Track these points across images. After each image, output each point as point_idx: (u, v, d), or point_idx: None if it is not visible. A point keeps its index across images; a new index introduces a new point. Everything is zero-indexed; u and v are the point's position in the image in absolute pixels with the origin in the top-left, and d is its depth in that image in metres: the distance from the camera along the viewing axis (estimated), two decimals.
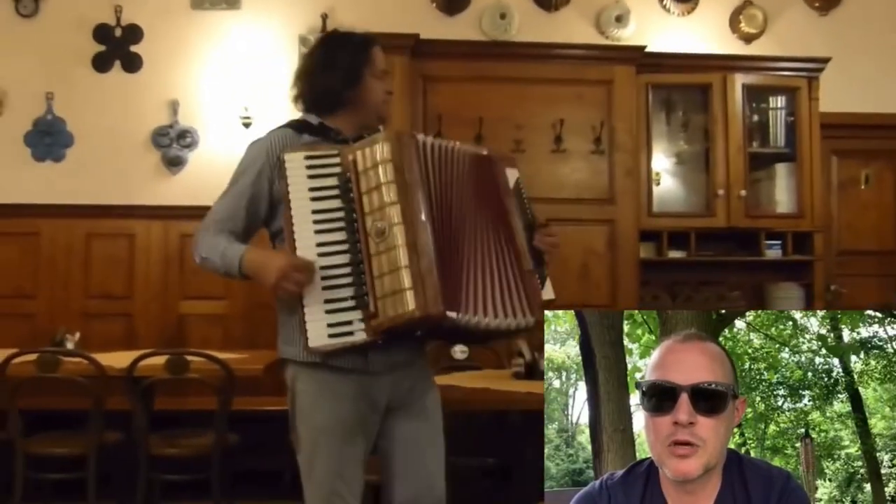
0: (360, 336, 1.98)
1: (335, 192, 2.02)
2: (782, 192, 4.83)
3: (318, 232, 2.01)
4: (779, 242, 4.78)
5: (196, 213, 4.93)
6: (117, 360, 3.58)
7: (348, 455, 2.13)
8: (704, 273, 4.86)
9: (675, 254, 4.69)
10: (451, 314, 1.97)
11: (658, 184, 4.75)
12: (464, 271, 2.04)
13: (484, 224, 2.12)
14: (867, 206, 5.52)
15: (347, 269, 2.00)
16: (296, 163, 2.03)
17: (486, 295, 2.05)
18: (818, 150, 4.77)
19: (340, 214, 2.02)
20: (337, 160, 2.04)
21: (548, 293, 2.19)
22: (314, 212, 2.01)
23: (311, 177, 2.03)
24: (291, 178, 2.02)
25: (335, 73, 2.20)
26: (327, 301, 1.99)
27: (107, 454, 3.60)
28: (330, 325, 1.99)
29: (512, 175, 2.21)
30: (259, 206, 2.16)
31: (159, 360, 3.45)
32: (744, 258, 4.81)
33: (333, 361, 2.07)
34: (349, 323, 1.99)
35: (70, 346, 3.99)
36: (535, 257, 2.17)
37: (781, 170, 4.84)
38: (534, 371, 3.36)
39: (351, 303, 1.99)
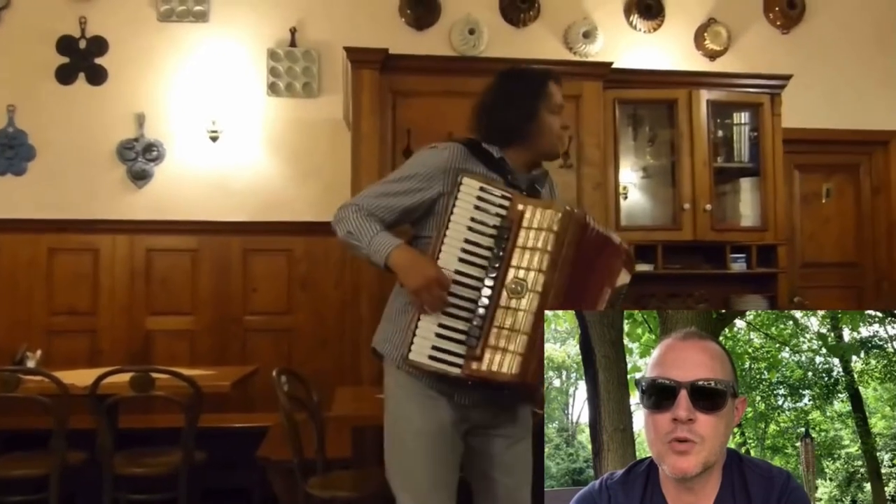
0: (455, 370, 2.04)
1: (492, 231, 2.07)
2: (747, 206, 4.89)
3: (461, 260, 2.07)
4: (744, 255, 4.84)
5: (162, 227, 4.98)
6: (81, 377, 3.52)
7: (446, 461, 2.18)
8: (671, 286, 4.89)
9: (642, 267, 4.71)
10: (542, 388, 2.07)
11: (625, 197, 4.78)
12: None
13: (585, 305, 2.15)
14: (829, 219, 5.63)
15: (471, 306, 2.05)
16: (470, 189, 2.08)
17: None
18: (781, 164, 4.84)
19: (487, 254, 2.06)
20: (507, 203, 2.08)
21: None
22: (466, 241, 2.07)
23: (477, 208, 2.07)
24: (461, 201, 2.07)
25: (512, 107, 2.25)
26: (441, 325, 2.05)
27: (70, 475, 3.53)
28: (434, 348, 2.04)
29: (621, 277, 2.21)
30: (415, 212, 2.22)
31: (124, 377, 3.39)
32: (710, 271, 4.85)
33: (422, 378, 2.14)
34: (451, 353, 2.04)
35: (31, 364, 3.92)
36: None
37: (746, 184, 4.89)
38: None
39: (461, 336, 2.04)
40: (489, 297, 2.04)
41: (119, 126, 5.03)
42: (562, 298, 2.07)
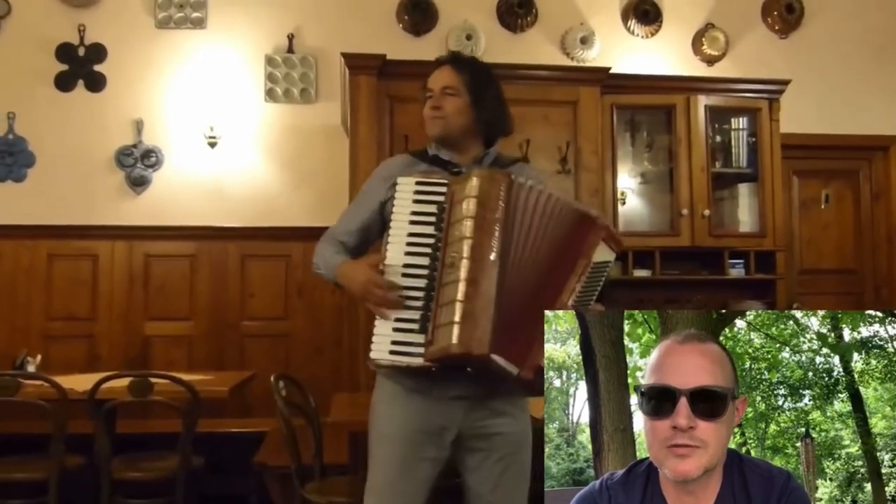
0: (417, 360, 2.02)
1: (432, 219, 2.09)
2: (745, 212, 4.89)
3: (407, 254, 2.08)
4: (742, 261, 4.83)
5: (160, 233, 4.99)
6: (79, 382, 3.53)
7: (406, 469, 2.16)
8: (669, 292, 4.89)
9: (640, 273, 4.72)
10: (497, 359, 1.97)
11: (623, 203, 4.78)
12: (519, 318, 2.02)
13: (550, 276, 2.10)
14: (827, 225, 5.62)
15: (422, 294, 2.05)
16: (406, 186, 2.13)
17: (522, 346, 2.01)
18: (779, 170, 4.84)
19: (431, 241, 2.08)
20: (444, 189, 2.11)
21: None
22: (409, 234, 2.09)
23: (415, 201, 2.11)
24: (399, 199, 2.12)
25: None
26: (397, 320, 2.06)
27: (69, 479, 3.53)
28: (393, 343, 2.05)
29: (603, 253, 2.15)
30: (371, 229, 2.32)
31: (122, 382, 3.40)
32: (708, 277, 4.84)
33: (399, 378, 2.16)
34: (410, 345, 2.03)
35: (31, 368, 3.93)
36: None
37: (744, 189, 4.89)
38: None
39: (416, 326, 2.04)
40: (434, 279, 2.04)
41: (117, 132, 5.05)
42: (517, 258, 2.04)
